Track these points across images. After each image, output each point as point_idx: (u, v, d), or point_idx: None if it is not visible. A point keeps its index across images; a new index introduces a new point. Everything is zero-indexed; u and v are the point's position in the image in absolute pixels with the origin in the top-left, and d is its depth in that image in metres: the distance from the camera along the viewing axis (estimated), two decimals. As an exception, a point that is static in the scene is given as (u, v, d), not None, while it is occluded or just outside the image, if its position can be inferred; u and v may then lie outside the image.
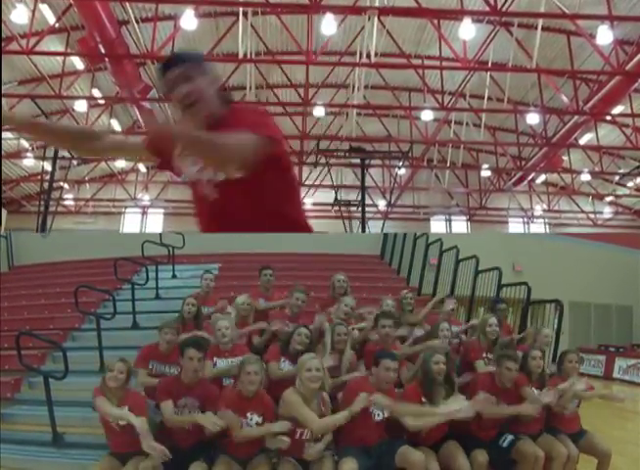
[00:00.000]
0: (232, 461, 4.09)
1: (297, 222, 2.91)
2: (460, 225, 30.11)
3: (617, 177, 25.95)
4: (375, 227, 24.20)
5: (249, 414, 4.13)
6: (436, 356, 4.48)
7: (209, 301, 6.41)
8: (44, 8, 15.90)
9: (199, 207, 2.99)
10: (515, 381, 4.72)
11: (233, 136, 2.45)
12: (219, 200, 2.75)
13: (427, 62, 19.95)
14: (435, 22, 16.21)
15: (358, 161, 18.62)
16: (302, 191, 23.88)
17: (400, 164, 21.81)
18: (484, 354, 5.49)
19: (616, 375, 13.33)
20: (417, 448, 4.19)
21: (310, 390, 4.16)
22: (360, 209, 18.13)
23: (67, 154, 16.94)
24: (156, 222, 29.20)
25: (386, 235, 10.60)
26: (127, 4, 15.98)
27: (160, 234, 9.07)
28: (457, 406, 4.27)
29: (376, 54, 16.57)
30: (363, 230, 17.74)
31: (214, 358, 5.06)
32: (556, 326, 6.94)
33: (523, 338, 6.05)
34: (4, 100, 19.32)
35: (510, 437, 4.52)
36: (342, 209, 20.70)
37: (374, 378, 4.41)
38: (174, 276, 9.00)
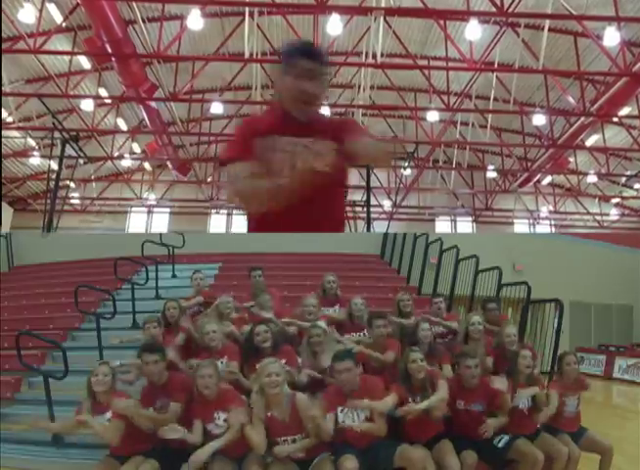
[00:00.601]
0: (226, 460, 4.10)
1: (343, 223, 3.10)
2: (465, 226, 30.04)
3: (623, 179, 25.83)
4: (380, 228, 24.14)
5: (215, 414, 4.17)
6: (413, 355, 4.52)
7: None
8: (51, 7, 15.97)
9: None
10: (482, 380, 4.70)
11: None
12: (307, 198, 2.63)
13: (433, 62, 19.96)
14: (442, 22, 16.20)
15: (363, 161, 18.59)
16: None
17: (406, 164, 21.77)
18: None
19: (616, 374, 13.31)
20: (414, 446, 4.20)
21: (272, 396, 4.16)
22: (365, 209, 18.15)
23: (73, 153, 16.98)
24: (161, 221, 29.28)
25: (386, 235, 10.58)
26: (134, 4, 16.01)
27: (161, 234, 9.06)
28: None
29: (382, 54, 16.53)
30: (368, 231, 17.73)
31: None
32: (556, 325, 6.93)
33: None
34: (11, 98, 19.45)
35: (506, 437, 4.51)
36: (348, 209, 20.65)
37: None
38: (174, 276, 9.00)
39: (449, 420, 4.60)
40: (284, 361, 4.71)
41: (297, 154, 2.68)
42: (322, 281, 6.52)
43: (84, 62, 18.57)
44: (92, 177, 27.16)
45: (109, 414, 4.21)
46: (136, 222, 29.35)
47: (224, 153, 2.83)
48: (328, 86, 2.89)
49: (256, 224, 2.89)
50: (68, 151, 16.60)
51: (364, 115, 22.28)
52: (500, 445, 4.47)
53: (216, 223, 29.30)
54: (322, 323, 5.37)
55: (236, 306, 6.03)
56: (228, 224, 29.38)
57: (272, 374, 4.14)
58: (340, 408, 4.25)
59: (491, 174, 27.72)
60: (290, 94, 2.74)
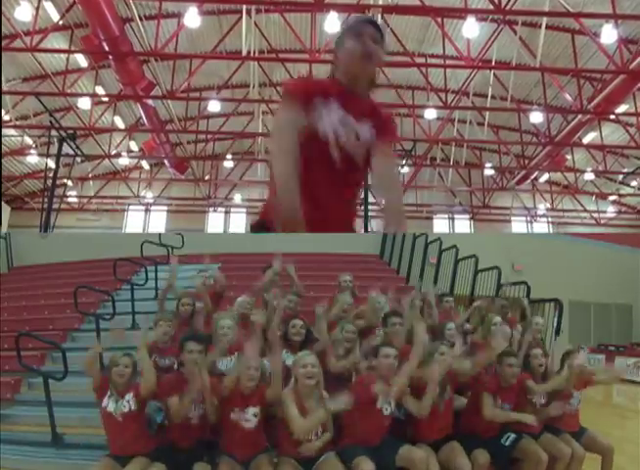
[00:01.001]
0: (234, 462, 4.07)
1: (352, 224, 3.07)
2: (463, 224, 30.07)
3: (620, 176, 25.90)
4: (378, 226, 24.16)
5: (247, 409, 4.12)
6: (441, 348, 4.56)
7: (205, 299, 6.40)
8: (48, 5, 15.99)
9: (317, 165, 2.74)
10: (518, 378, 4.74)
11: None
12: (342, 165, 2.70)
13: (430, 60, 19.99)
14: (439, 20, 16.21)
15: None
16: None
17: (403, 162, 21.76)
18: None
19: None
20: (417, 447, 4.20)
21: (306, 387, 4.14)
22: (363, 207, 18.14)
23: (70, 151, 16.94)
24: (159, 220, 29.26)
25: (385, 234, 10.58)
26: (131, 1, 15.99)
27: (160, 234, 9.05)
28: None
29: (379, 52, 16.52)
30: (366, 229, 17.71)
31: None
32: (555, 325, 6.95)
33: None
34: (8, 97, 19.41)
35: (512, 435, 4.52)
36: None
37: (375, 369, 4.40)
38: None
39: (458, 419, 4.64)
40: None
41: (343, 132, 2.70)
42: (339, 280, 6.53)
43: (81, 60, 18.56)
44: (89, 175, 27.16)
45: (128, 396, 4.20)
46: (133, 221, 29.34)
47: (289, 85, 2.87)
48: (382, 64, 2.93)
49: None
50: (66, 149, 16.51)
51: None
52: (507, 443, 4.49)
53: (214, 222, 29.30)
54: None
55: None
56: (226, 222, 29.36)
57: (308, 365, 4.13)
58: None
59: (489, 172, 27.75)
60: (351, 57, 2.74)
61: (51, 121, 15.94)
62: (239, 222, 28.74)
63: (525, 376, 4.82)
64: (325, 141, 2.65)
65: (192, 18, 15.68)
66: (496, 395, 4.65)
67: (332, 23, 15.76)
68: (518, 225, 29.90)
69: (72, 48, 17.70)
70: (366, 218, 17.55)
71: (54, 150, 16.24)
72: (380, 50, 2.73)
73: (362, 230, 19.99)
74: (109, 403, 4.20)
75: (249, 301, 5.86)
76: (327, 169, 2.67)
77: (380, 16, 16.05)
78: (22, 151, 23.58)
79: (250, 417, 4.12)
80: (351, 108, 2.72)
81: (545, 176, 27.12)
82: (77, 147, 17.19)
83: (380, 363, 4.36)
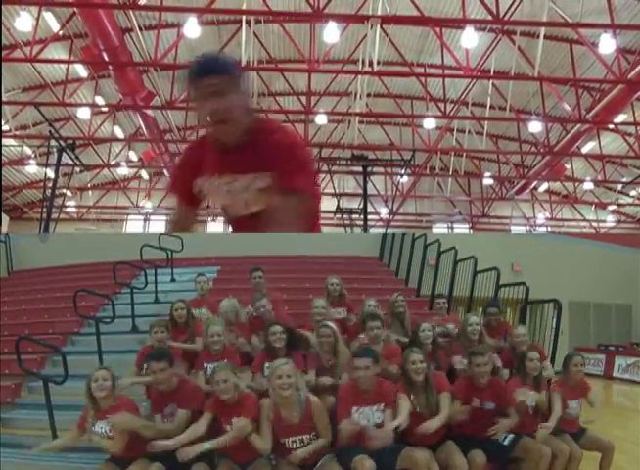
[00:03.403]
0: (233, 465, 4.08)
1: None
2: (463, 233, 30.05)
3: (619, 186, 25.94)
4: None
5: (233, 419, 4.08)
6: (413, 356, 4.49)
7: (204, 303, 6.41)
8: (48, 16, 16.00)
9: (235, 222, 2.96)
10: (503, 386, 4.74)
11: (295, 210, 2.58)
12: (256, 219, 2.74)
13: (429, 70, 20.04)
14: (438, 30, 16.28)
15: (360, 168, 18.67)
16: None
17: (402, 171, 21.81)
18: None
19: (615, 374, 13.33)
20: (418, 449, 4.17)
21: (283, 398, 4.10)
22: (362, 216, 18.17)
23: (69, 161, 16.97)
24: (158, 229, 29.23)
25: (384, 236, 10.57)
26: (131, 12, 16.05)
27: (159, 237, 9.03)
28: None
29: (378, 62, 16.61)
30: (365, 231, 17.77)
31: (205, 364, 5.06)
32: (554, 326, 6.94)
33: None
34: (8, 107, 19.44)
35: (511, 435, 4.51)
36: (345, 216, 20.68)
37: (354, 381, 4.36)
38: (173, 280, 8.97)
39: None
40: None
41: (231, 198, 2.70)
42: (325, 283, 6.50)
43: (81, 70, 18.63)
44: (88, 185, 27.18)
45: (105, 423, 4.13)
46: (133, 230, 29.29)
47: (168, 183, 2.96)
48: (245, 95, 2.64)
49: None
50: (65, 159, 16.59)
51: (361, 122, 22.36)
52: (506, 442, 4.47)
53: (213, 231, 29.27)
54: (331, 323, 5.35)
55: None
56: (224, 232, 29.36)
57: (283, 376, 4.08)
58: (355, 408, 4.22)
59: (488, 181, 27.79)
60: (202, 119, 2.58)
61: (50, 131, 16.00)
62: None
63: (516, 384, 4.79)
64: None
65: (191, 28, 15.73)
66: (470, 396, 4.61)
67: (331, 33, 15.84)
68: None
69: (72, 58, 17.76)
70: (365, 227, 17.61)
71: (53, 160, 16.31)
72: (220, 101, 2.48)
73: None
74: (90, 428, 4.19)
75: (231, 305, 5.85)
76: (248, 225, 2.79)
77: (379, 26, 16.15)
78: (21, 161, 23.58)
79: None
80: (231, 166, 2.65)
81: (544, 186, 27.17)
82: (77, 157, 17.26)
83: (358, 376, 4.30)
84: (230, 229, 3.09)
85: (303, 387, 4.33)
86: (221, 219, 28.77)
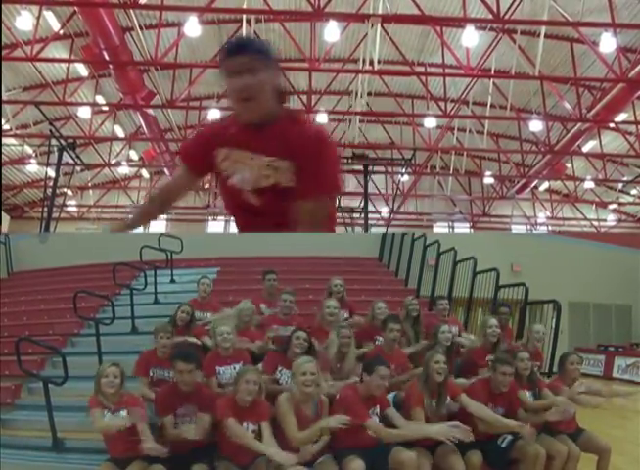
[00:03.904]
0: (232, 466, 4.07)
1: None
2: (463, 232, 30.04)
3: (620, 185, 25.92)
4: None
5: (244, 424, 4.09)
6: (437, 356, 4.52)
7: (207, 305, 6.41)
8: (49, 15, 16.01)
9: (239, 211, 2.90)
10: (513, 392, 4.74)
11: (324, 213, 2.65)
12: (263, 205, 2.71)
13: (430, 69, 20.04)
14: (438, 29, 16.28)
15: (361, 167, 18.66)
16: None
17: (403, 170, 21.81)
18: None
19: (615, 374, 13.30)
20: (411, 449, 4.18)
21: (305, 394, 4.15)
22: (363, 215, 18.18)
23: (70, 160, 16.98)
24: (159, 228, 29.23)
25: (384, 237, 10.56)
26: (131, 11, 16.05)
27: (159, 238, 9.02)
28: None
29: (379, 61, 16.62)
30: (366, 231, 17.76)
31: (216, 367, 5.02)
32: (554, 326, 6.95)
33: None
34: (8, 106, 19.44)
35: (509, 436, 4.51)
36: (345, 215, 20.67)
37: (364, 385, 4.36)
38: (173, 281, 8.96)
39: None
40: None
41: (245, 173, 2.66)
42: (328, 284, 6.50)
43: (81, 69, 18.63)
44: (89, 184, 27.20)
45: (123, 413, 4.15)
46: (133, 230, 29.25)
47: (179, 149, 2.88)
48: (276, 77, 2.60)
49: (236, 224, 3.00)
50: (66, 158, 16.61)
51: (361, 121, 22.35)
52: (503, 444, 4.48)
53: (214, 230, 29.30)
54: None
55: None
56: (225, 231, 29.34)
57: (307, 372, 4.13)
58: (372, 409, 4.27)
59: (489, 180, 27.77)
60: (230, 98, 2.58)
61: (51, 130, 16.02)
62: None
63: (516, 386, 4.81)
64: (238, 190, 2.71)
65: (192, 27, 15.74)
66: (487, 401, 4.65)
67: (331, 32, 15.84)
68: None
69: (73, 57, 17.75)
70: (366, 226, 17.61)
71: (54, 159, 16.32)
72: (245, 79, 2.46)
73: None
74: (105, 416, 4.17)
75: (249, 307, 5.84)
76: (253, 213, 2.75)
77: (379, 25, 16.14)
78: (21, 160, 23.60)
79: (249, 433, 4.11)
80: (255, 144, 2.63)
81: (545, 185, 27.14)
82: (77, 156, 17.28)
83: (371, 381, 4.31)
84: (234, 223, 3.02)
85: (324, 385, 4.40)
86: (222, 219, 28.84)
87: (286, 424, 4.07)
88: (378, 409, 4.31)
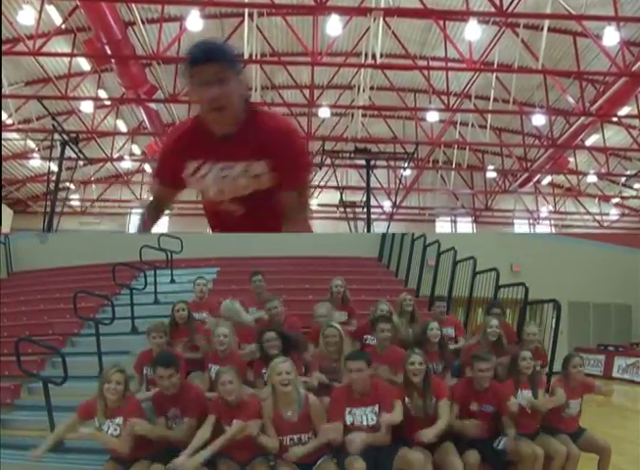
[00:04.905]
0: (232, 464, 4.09)
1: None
2: (465, 227, 30.01)
3: (623, 179, 25.84)
4: (380, 228, 24.16)
5: (234, 421, 4.11)
6: (412, 357, 4.50)
7: (204, 306, 6.41)
8: (51, 9, 15.98)
9: (217, 217, 2.96)
10: (501, 389, 4.74)
11: (305, 206, 2.80)
12: (245, 212, 2.78)
13: (432, 63, 19.96)
14: (441, 23, 16.25)
15: (363, 162, 18.62)
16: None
17: (405, 165, 21.74)
18: None
19: (615, 374, 13.30)
20: (413, 449, 4.20)
21: (283, 394, 4.17)
22: (365, 210, 18.15)
23: (73, 154, 16.99)
24: (161, 223, 29.22)
25: (384, 237, 10.54)
26: (133, 5, 16.02)
27: (159, 238, 9.02)
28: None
29: (381, 55, 16.58)
30: (368, 232, 17.73)
31: (210, 365, 5.08)
32: (554, 326, 6.94)
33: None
34: (11, 101, 19.45)
35: (505, 438, 4.51)
36: (348, 210, 20.66)
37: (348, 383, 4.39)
38: (173, 281, 8.95)
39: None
40: None
41: (227, 183, 2.68)
42: (329, 285, 6.50)
43: (84, 63, 18.57)
44: (92, 179, 27.21)
45: (119, 419, 4.16)
46: (136, 224, 29.27)
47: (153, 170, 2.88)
48: (242, 82, 2.62)
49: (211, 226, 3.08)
50: (68, 153, 16.60)
51: (364, 115, 22.31)
52: (500, 446, 4.48)
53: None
54: (337, 324, 5.37)
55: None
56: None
57: (282, 372, 4.14)
58: (348, 410, 4.25)
59: (491, 174, 27.73)
60: (201, 107, 2.58)
61: (54, 125, 15.99)
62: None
63: (510, 385, 4.81)
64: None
65: (194, 21, 15.69)
66: (470, 399, 4.65)
67: (333, 26, 15.80)
68: (520, 228, 29.83)
69: (75, 52, 17.71)
70: (369, 220, 17.58)
71: (56, 153, 16.30)
72: (218, 89, 2.47)
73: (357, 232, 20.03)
74: (97, 426, 4.20)
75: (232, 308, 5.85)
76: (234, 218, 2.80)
77: (382, 18, 16.10)
78: (24, 154, 23.62)
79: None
80: (226, 152, 2.66)
81: (548, 179, 27.05)
82: (80, 150, 17.28)
83: (351, 378, 4.33)
84: (209, 226, 3.12)
85: (300, 385, 4.39)
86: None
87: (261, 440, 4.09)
88: (378, 407, 4.29)
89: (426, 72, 18.42)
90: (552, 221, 29.85)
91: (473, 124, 22.51)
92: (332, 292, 6.44)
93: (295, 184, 2.69)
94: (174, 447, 4.14)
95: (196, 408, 4.32)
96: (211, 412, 4.22)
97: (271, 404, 4.20)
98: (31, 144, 23.17)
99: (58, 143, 16.24)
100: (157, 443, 4.21)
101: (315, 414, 4.23)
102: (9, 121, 20.31)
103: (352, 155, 18.70)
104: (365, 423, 4.24)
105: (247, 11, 16.67)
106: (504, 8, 14.61)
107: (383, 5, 15.58)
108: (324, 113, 20.70)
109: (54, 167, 17.35)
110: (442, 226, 29.97)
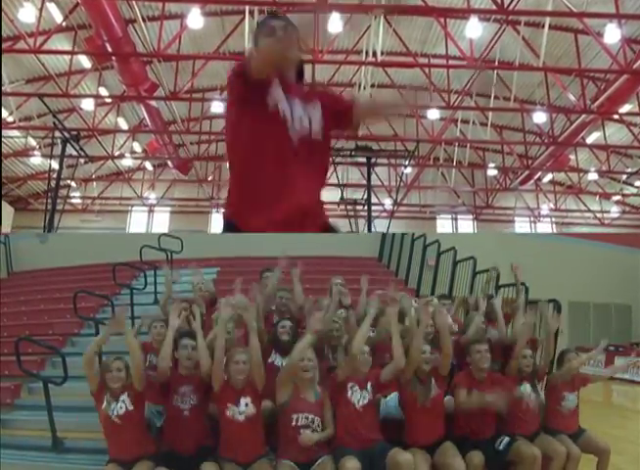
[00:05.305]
0: (235, 465, 4.09)
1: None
2: (466, 224, 30.04)
3: (624, 176, 25.84)
4: (381, 226, 24.15)
5: (242, 399, 4.15)
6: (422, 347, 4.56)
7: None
8: (51, 7, 15.98)
9: (275, 145, 2.79)
10: (502, 379, 4.76)
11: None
12: (302, 148, 2.83)
13: (433, 60, 19.97)
14: (442, 20, 16.17)
15: (364, 159, 18.61)
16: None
17: (406, 162, 21.73)
18: None
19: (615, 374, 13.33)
20: (410, 450, 4.20)
21: (304, 380, 4.22)
22: (366, 207, 18.13)
23: (73, 152, 16.99)
24: (162, 221, 29.31)
25: (384, 236, 10.54)
26: (134, 2, 16.03)
27: (159, 238, 9.01)
28: None
29: (382, 53, 16.56)
30: (369, 229, 17.73)
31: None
32: None
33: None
34: (12, 98, 19.46)
35: (506, 438, 4.52)
36: (349, 207, 20.64)
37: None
38: (173, 281, 8.92)
39: (450, 421, 4.64)
40: None
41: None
42: (329, 284, 6.50)
43: (84, 61, 18.56)
44: (93, 176, 27.23)
45: (123, 396, 4.21)
46: (137, 221, 29.38)
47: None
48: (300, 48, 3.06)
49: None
50: (69, 150, 16.59)
51: (365, 113, 22.23)
52: (501, 447, 4.48)
53: (217, 222, 29.35)
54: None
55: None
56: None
57: (305, 359, 4.20)
58: (350, 384, 4.31)
59: (492, 172, 27.72)
60: (267, 52, 2.64)
61: (54, 123, 15.99)
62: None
63: (511, 384, 4.80)
64: (282, 123, 2.77)
65: (195, 19, 15.71)
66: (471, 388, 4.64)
67: (335, 24, 15.77)
68: (521, 226, 29.84)
69: (76, 49, 17.70)
70: (369, 218, 17.58)
71: (57, 151, 16.30)
72: (296, 50, 2.87)
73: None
74: (105, 406, 4.21)
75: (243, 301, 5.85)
76: (287, 155, 2.77)
77: (382, 16, 16.07)
78: (25, 152, 23.66)
79: (242, 409, 4.15)
80: (294, 93, 2.87)
81: (548, 176, 27.06)
82: (81, 148, 17.27)
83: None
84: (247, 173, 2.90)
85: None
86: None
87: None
88: (369, 385, 4.37)
89: (427, 70, 18.52)
90: (553, 219, 29.86)
91: (474, 122, 22.49)
92: (332, 291, 6.44)
93: (347, 103, 3.05)
94: (174, 449, 4.16)
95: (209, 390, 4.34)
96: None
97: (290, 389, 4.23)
98: (32, 142, 23.21)
99: (59, 141, 16.24)
100: (155, 440, 4.25)
101: (327, 406, 4.29)
102: (10, 119, 20.33)
103: (353, 152, 18.69)
104: (361, 399, 4.33)
105: (247, 8, 16.62)
106: (505, 5, 14.60)
107: (384, 2, 15.57)
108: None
109: (55, 165, 17.32)
110: (443, 224, 29.98)
